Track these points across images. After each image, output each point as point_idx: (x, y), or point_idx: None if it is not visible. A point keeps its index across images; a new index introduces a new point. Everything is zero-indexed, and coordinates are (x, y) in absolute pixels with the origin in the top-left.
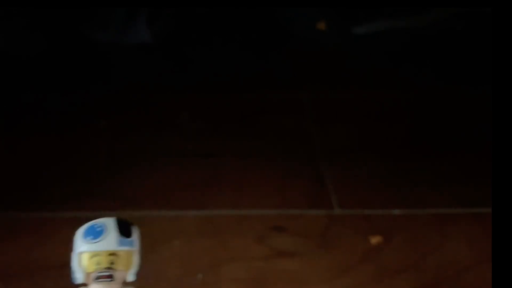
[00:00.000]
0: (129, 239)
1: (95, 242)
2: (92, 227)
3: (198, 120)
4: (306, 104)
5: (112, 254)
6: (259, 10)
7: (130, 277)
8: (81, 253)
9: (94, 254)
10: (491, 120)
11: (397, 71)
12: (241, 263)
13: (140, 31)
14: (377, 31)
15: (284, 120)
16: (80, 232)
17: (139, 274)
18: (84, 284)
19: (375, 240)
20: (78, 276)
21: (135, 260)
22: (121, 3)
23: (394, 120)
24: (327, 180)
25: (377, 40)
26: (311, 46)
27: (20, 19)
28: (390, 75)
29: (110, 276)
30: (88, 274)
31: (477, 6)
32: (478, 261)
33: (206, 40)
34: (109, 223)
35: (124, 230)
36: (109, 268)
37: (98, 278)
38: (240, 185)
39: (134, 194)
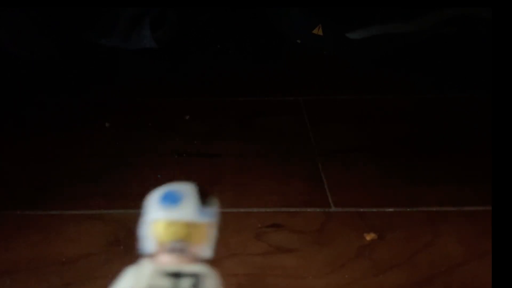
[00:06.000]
0: (208, 210)
1: (174, 210)
2: (170, 192)
3: (199, 122)
4: (303, 106)
5: (190, 224)
6: (258, 16)
7: (206, 251)
8: (155, 220)
9: (171, 223)
10: (483, 123)
11: (392, 74)
12: (241, 258)
13: (144, 37)
14: (372, 36)
15: (282, 121)
16: (156, 196)
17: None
18: (153, 255)
19: (369, 237)
20: (149, 245)
21: (212, 233)
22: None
23: (388, 122)
24: (324, 179)
25: (372, 45)
26: (308, 50)
27: (31, 26)
28: (385, 78)
29: (183, 249)
30: (161, 244)
31: (475, 6)
32: (469, 258)
33: (207, 46)
34: (188, 190)
35: (204, 199)
36: (185, 239)
37: (172, 249)
38: (240, 184)
39: (137, 192)
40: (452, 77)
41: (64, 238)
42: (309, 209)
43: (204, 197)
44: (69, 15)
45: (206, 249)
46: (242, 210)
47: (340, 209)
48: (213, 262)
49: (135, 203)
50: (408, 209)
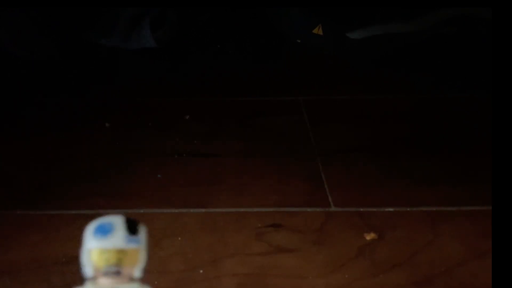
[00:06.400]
0: (136, 237)
1: (104, 240)
2: (101, 225)
3: (199, 122)
4: (303, 106)
5: (120, 251)
6: (258, 16)
7: (137, 273)
8: (90, 249)
9: (103, 251)
10: (483, 123)
11: (392, 74)
12: (241, 258)
13: (144, 37)
14: (372, 36)
15: (281, 121)
16: (90, 229)
17: (144, 269)
18: (93, 278)
19: (369, 237)
20: (88, 271)
21: (142, 257)
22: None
23: (388, 122)
24: (324, 179)
25: (372, 45)
26: (308, 50)
27: (31, 26)
28: (385, 78)
29: (118, 272)
30: (97, 269)
31: (475, 6)
32: (469, 258)
33: (207, 46)
34: (117, 221)
35: (132, 228)
36: (117, 264)
37: (106, 273)
38: (240, 184)
39: (137, 192)
40: (452, 77)
41: (64, 238)
42: (309, 209)
43: (132, 225)
44: (69, 15)
45: (138, 270)
46: (242, 210)
47: (340, 209)
48: (213, 262)
49: (135, 203)
50: (408, 209)
